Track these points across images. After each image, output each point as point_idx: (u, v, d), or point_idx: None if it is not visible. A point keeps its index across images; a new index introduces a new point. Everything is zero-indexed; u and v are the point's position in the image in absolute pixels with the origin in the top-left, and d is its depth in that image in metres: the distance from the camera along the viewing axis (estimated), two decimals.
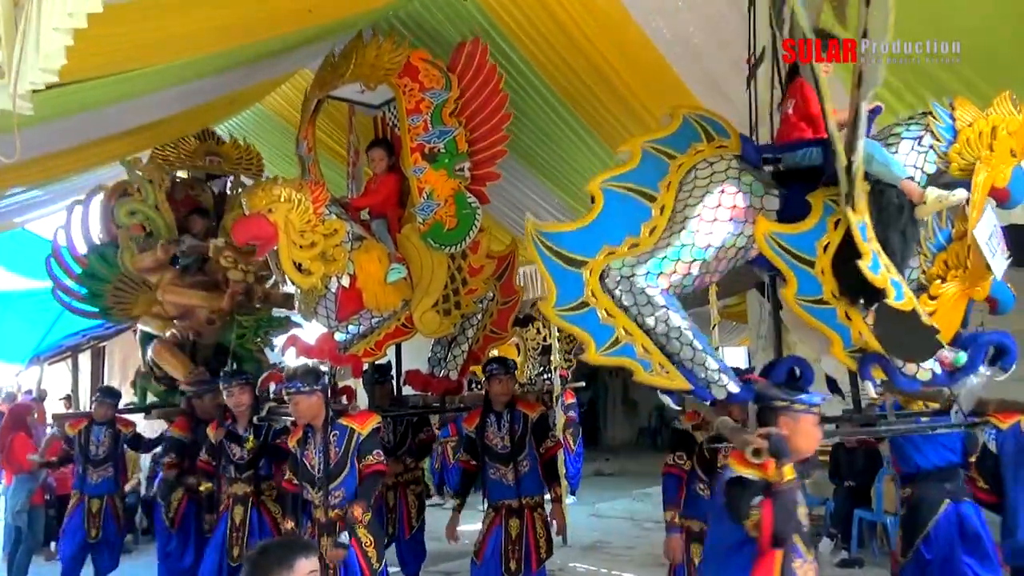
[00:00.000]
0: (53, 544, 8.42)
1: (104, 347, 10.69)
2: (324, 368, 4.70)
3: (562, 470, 8.73)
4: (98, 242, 6.47)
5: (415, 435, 6.20)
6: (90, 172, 6.63)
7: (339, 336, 4.67)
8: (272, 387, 5.12)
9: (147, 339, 6.76)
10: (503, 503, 5.14)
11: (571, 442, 9.85)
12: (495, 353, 5.68)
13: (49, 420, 8.84)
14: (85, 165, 6.12)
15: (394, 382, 5.92)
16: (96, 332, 9.64)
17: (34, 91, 2.39)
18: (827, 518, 7.69)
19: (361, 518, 4.24)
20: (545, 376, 10.43)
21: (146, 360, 6.74)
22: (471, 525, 5.52)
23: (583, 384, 11.44)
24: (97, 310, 6.50)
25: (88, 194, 6.62)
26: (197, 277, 6.42)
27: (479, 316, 5.34)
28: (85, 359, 10.66)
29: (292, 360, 4.89)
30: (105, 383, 10.61)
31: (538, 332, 10.45)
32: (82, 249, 6.39)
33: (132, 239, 6.23)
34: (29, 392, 9.28)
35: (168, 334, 6.56)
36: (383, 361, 5.56)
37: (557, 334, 8.98)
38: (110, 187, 6.66)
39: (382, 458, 4.48)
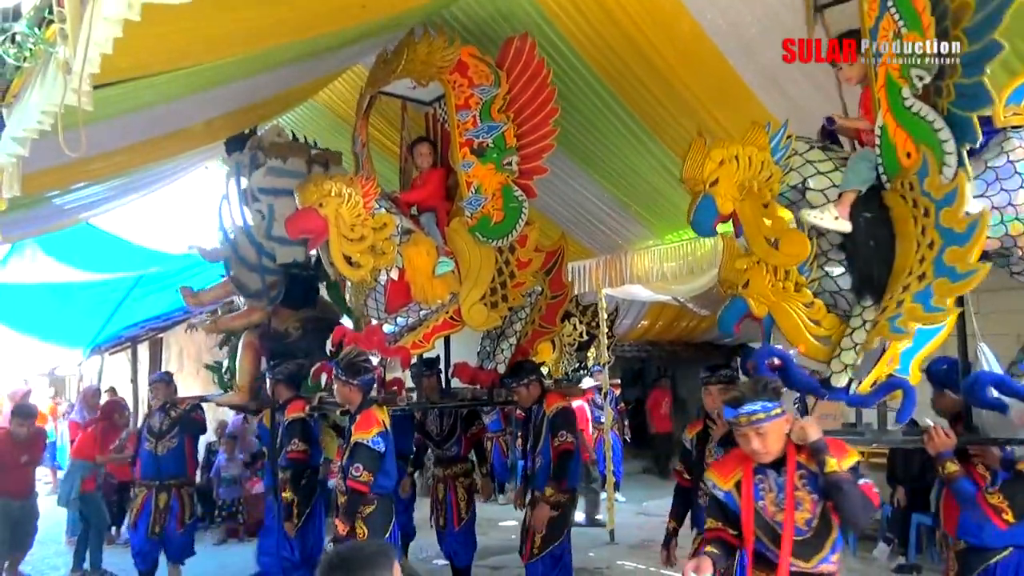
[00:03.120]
0: (114, 529, 8.73)
1: (162, 338, 11.01)
2: (374, 360, 4.74)
3: (610, 467, 8.75)
4: None
5: (466, 428, 6.18)
6: (149, 168, 6.80)
7: (388, 328, 4.74)
8: (323, 378, 5.19)
9: None
10: (531, 492, 5.25)
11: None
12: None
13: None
14: (144, 161, 6.27)
15: (442, 375, 5.94)
16: (154, 324, 9.95)
17: (95, 87, 2.44)
18: (884, 522, 7.45)
19: (342, 532, 4.20)
20: (582, 372, 10.38)
21: None
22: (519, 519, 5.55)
23: (618, 381, 11.40)
24: None
25: None
26: None
27: (527, 310, 5.37)
28: (144, 349, 11.00)
29: None
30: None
31: (574, 328, 10.39)
32: None
33: None
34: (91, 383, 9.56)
35: None
36: (431, 354, 5.59)
37: (606, 329, 8.89)
38: None
39: (359, 474, 4.24)
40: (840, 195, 3.17)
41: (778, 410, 2.85)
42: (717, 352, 14.31)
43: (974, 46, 2.83)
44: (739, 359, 3.70)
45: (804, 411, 3.70)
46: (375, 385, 4.62)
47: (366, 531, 4.24)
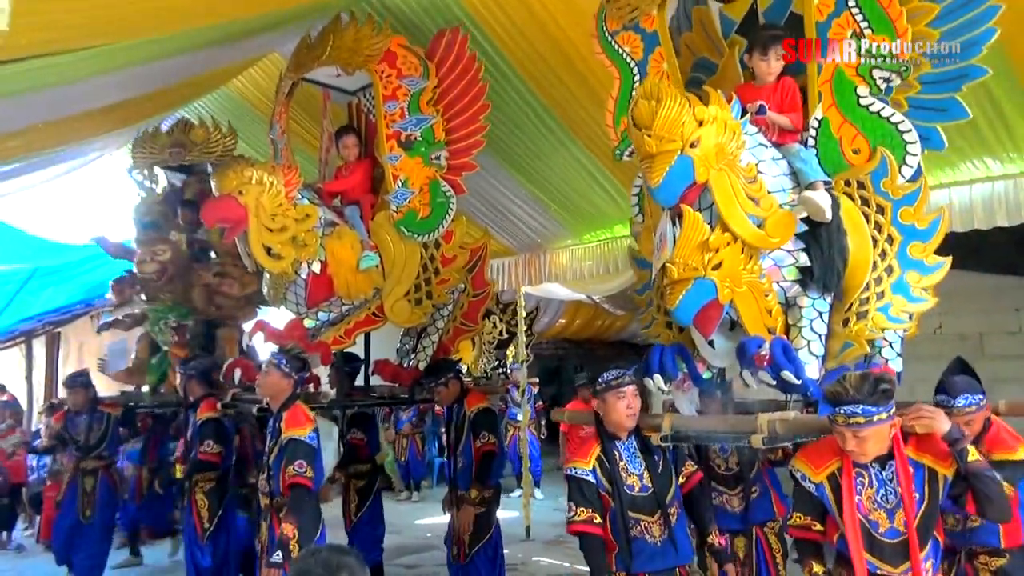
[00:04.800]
0: (5, 534, 8.27)
1: (59, 333, 10.50)
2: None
3: (526, 464, 8.81)
4: None
5: (350, 429, 5.95)
6: (48, 153, 6.46)
7: (308, 323, 4.64)
8: (237, 374, 5.01)
9: None
10: (454, 493, 5.18)
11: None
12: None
13: None
14: (44, 146, 5.96)
15: (362, 372, 5.83)
16: (52, 317, 9.48)
17: None
18: None
19: (292, 535, 3.95)
20: (500, 370, 10.42)
21: None
22: (435, 518, 5.51)
23: (536, 379, 11.52)
24: None
25: None
26: None
27: (450, 307, 5.33)
28: (39, 345, 10.47)
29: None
30: (60, 369, 10.45)
31: (494, 326, 10.43)
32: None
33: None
34: None
35: None
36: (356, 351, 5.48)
37: (524, 328, 8.94)
38: None
39: (304, 470, 3.99)
40: (811, 183, 3.09)
41: (883, 415, 2.54)
42: (632, 351, 14.61)
43: (945, 67, 3.02)
44: (644, 361, 3.52)
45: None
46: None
47: (297, 533, 4.02)
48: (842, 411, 2.55)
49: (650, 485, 3.29)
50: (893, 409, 2.57)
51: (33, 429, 9.29)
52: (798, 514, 2.85)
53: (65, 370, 10.77)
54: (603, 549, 3.25)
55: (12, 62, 3.06)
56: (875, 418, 2.52)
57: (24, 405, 9.80)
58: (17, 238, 8.88)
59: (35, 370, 10.36)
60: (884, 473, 2.64)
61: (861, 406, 2.51)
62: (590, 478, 3.28)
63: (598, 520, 3.24)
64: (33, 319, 9.23)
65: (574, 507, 3.27)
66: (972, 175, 4.59)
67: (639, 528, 3.24)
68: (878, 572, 2.61)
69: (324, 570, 1.86)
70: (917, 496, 2.60)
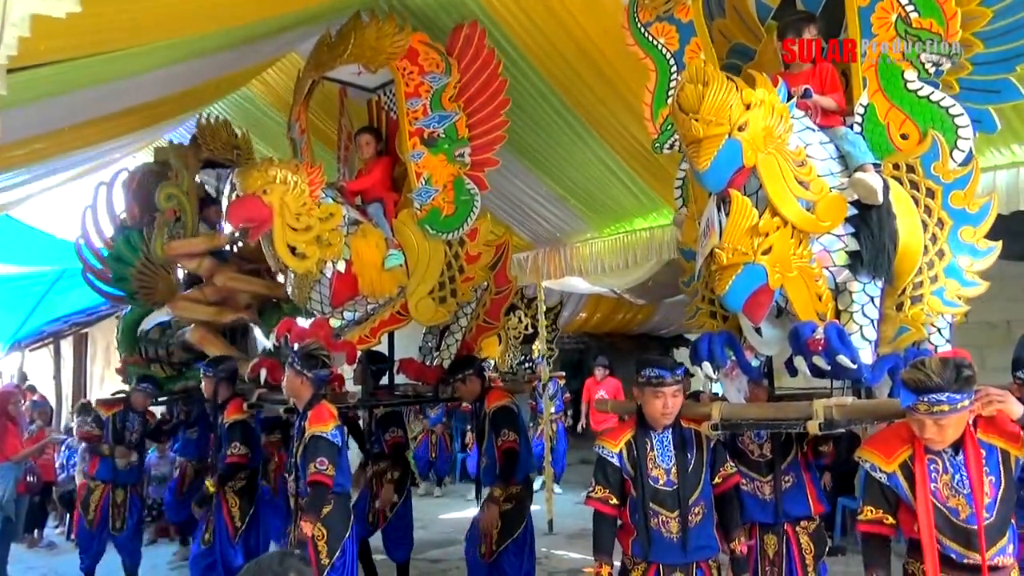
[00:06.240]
0: (37, 531, 8.38)
1: (87, 333, 10.62)
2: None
3: (548, 457, 8.81)
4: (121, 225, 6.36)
5: (383, 431, 5.93)
6: (72, 156, 6.51)
7: (334, 322, 4.64)
8: (263, 374, 5.04)
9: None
10: (482, 491, 5.16)
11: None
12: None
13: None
14: (68, 148, 6.00)
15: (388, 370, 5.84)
16: (78, 318, 9.59)
17: (10, 70, 2.28)
18: None
19: (308, 534, 3.98)
20: (526, 365, 10.42)
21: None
22: (459, 512, 5.51)
23: (562, 373, 11.50)
24: (124, 294, 6.43)
25: (113, 175, 6.55)
26: (242, 264, 6.25)
27: (473, 305, 5.31)
28: (67, 345, 10.59)
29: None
30: (88, 369, 10.57)
31: (519, 321, 10.42)
32: (109, 231, 6.31)
33: (164, 224, 6.10)
34: (11, 380, 9.16)
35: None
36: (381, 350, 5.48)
37: (546, 321, 8.93)
38: (135, 168, 6.58)
39: (325, 467, 4.02)
40: (861, 166, 3.05)
41: (966, 402, 2.48)
42: (654, 343, 14.54)
43: (998, 47, 2.95)
44: (693, 349, 3.50)
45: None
46: (327, 383, 4.46)
47: (325, 532, 4.08)
48: (925, 399, 2.48)
49: (675, 481, 3.30)
50: (974, 396, 2.52)
51: (63, 428, 9.41)
52: (868, 507, 2.77)
53: (93, 370, 10.93)
54: (611, 528, 3.37)
55: (31, 68, 3.09)
56: (959, 405, 2.46)
57: (53, 405, 9.91)
58: (44, 241, 8.98)
59: (63, 370, 10.49)
60: (958, 459, 2.58)
61: (946, 393, 2.44)
62: (615, 461, 3.34)
63: (613, 501, 3.33)
64: (61, 320, 9.34)
65: (594, 484, 3.39)
66: (996, 161, 4.50)
67: (657, 520, 3.28)
68: (965, 561, 2.54)
69: (273, 574, 1.89)
70: (993, 479, 2.56)
